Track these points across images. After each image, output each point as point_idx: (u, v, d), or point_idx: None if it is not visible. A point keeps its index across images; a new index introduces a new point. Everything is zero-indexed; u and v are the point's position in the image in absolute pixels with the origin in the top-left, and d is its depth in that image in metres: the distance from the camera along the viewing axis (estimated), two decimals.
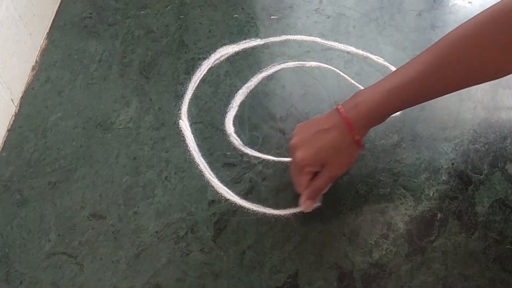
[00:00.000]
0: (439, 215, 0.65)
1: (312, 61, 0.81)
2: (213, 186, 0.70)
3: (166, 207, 0.69)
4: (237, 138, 0.74)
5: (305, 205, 0.64)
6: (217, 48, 0.84)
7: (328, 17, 0.86)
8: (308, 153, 0.61)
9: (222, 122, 0.76)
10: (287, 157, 0.72)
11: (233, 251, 0.65)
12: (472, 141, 0.71)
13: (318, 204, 0.66)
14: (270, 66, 0.81)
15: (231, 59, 0.83)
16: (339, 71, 0.80)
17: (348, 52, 0.82)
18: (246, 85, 0.79)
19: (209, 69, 0.82)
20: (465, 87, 0.60)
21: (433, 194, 0.67)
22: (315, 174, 0.63)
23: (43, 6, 0.88)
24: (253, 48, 0.84)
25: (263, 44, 0.84)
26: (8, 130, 0.78)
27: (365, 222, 0.66)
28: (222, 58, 0.83)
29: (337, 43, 0.83)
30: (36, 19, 0.86)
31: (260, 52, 0.83)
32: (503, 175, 0.68)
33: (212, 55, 0.83)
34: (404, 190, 0.68)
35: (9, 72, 0.78)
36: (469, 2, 0.85)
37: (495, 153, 0.70)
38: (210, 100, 0.78)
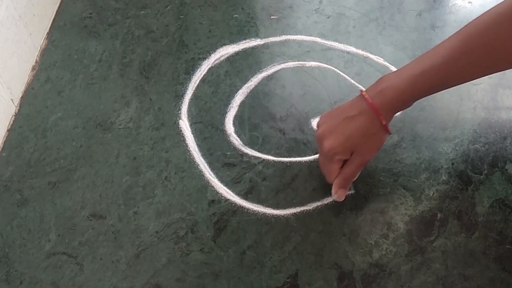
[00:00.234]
0: (439, 215, 0.65)
1: (312, 61, 0.81)
2: (213, 186, 0.70)
3: (166, 207, 0.69)
4: (237, 138, 0.74)
5: (338, 195, 0.64)
6: (217, 48, 0.84)
7: (328, 17, 0.86)
8: (337, 141, 0.61)
9: (222, 122, 0.76)
10: (287, 157, 0.72)
11: (233, 251, 0.65)
12: (472, 141, 0.71)
13: (351, 191, 0.67)
14: (270, 66, 0.81)
15: (231, 59, 0.83)
16: (339, 71, 0.79)
17: (348, 52, 0.82)
18: (246, 85, 0.79)
19: (209, 69, 0.82)
20: (491, 73, 0.60)
21: (433, 194, 0.67)
22: (344, 163, 0.63)
23: (43, 6, 0.88)
24: (253, 48, 0.84)
25: (263, 44, 0.84)
26: (8, 130, 0.78)
27: (365, 222, 0.66)
28: (222, 58, 0.83)
29: (337, 43, 0.83)
30: (36, 19, 0.86)
31: (260, 52, 0.83)
32: (503, 175, 0.68)
33: (212, 55, 0.83)
34: (404, 190, 0.68)
35: (9, 72, 0.78)
36: (469, 2, 0.85)
37: (495, 153, 0.70)
38: (210, 100, 0.78)
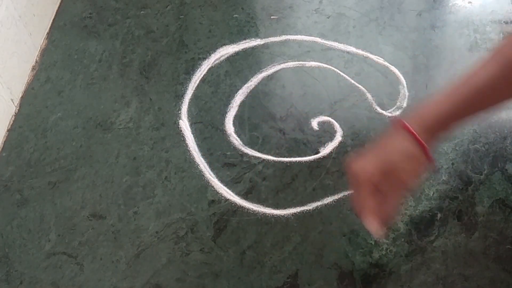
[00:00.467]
0: (439, 215, 0.65)
1: (312, 61, 0.81)
2: (213, 186, 0.70)
3: (166, 207, 0.69)
4: (237, 138, 0.74)
5: (382, 232, 0.50)
6: (217, 48, 0.84)
7: (328, 17, 0.86)
8: (370, 161, 0.51)
9: (222, 122, 0.76)
10: (287, 157, 0.72)
11: (233, 251, 0.65)
12: (472, 141, 0.71)
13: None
14: (270, 66, 0.81)
15: (231, 59, 0.83)
16: (339, 71, 0.79)
17: (348, 52, 0.82)
18: (246, 85, 0.79)
19: (209, 69, 0.82)
20: None
21: (433, 194, 0.67)
22: (380, 196, 0.51)
23: (43, 6, 0.88)
24: (253, 48, 0.84)
25: (263, 44, 0.84)
26: (8, 130, 0.78)
27: None
28: (222, 58, 0.83)
29: (337, 43, 0.83)
30: (36, 19, 0.86)
31: (260, 52, 0.83)
32: (503, 175, 0.68)
33: (212, 55, 0.83)
34: None
35: (9, 72, 0.78)
36: (469, 2, 0.85)
37: (495, 153, 0.70)
38: (210, 100, 0.78)
